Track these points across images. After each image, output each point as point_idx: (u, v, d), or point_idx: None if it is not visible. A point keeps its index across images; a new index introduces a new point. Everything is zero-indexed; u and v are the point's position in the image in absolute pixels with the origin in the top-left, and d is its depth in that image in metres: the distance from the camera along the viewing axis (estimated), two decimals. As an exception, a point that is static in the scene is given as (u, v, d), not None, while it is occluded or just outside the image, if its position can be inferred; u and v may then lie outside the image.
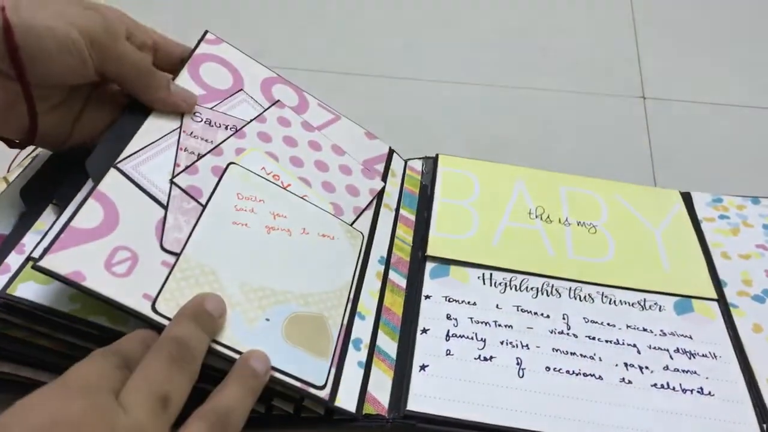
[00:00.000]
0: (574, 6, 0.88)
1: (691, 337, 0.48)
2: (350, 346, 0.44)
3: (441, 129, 0.69)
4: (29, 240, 0.41)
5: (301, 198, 0.48)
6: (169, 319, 0.38)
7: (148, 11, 0.81)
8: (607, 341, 0.47)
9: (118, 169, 0.42)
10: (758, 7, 0.88)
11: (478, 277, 0.51)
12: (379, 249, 0.51)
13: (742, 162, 0.66)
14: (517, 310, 0.49)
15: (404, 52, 0.79)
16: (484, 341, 0.47)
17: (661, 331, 0.48)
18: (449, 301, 0.49)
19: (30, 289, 0.37)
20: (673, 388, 0.45)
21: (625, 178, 0.60)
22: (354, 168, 0.54)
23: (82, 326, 0.38)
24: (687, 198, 0.58)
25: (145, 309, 0.37)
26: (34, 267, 0.35)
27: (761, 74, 0.77)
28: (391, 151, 0.59)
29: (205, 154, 0.47)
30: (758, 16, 0.87)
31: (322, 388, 0.41)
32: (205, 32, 0.53)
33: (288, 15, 0.84)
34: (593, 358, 0.46)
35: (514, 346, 0.46)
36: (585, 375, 0.45)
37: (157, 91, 0.46)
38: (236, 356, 0.38)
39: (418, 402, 0.43)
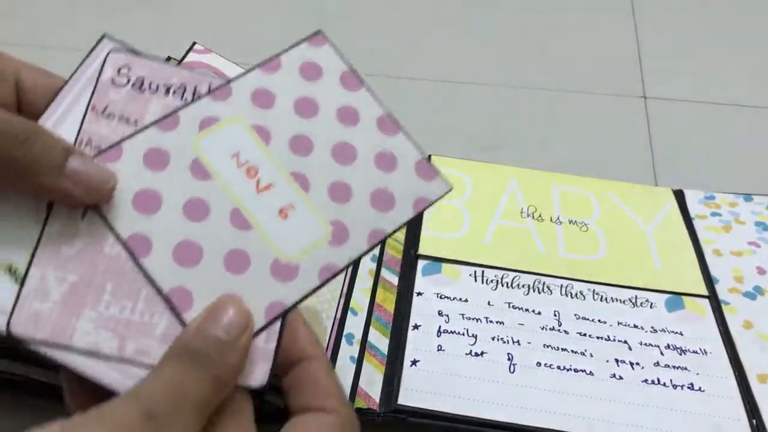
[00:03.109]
0: (575, 5, 0.88)
1: (681, 334, 0.48)
2: (343, 340, 0.45)
3: (440, 129, 0.69)
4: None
5: (278, 211, 0.32)
6: None
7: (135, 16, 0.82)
8: (598, 338, 0.48)
9: None
10: (759, 6, 0.88)
11: (470, 275, 0.51)
12: (372, 247, 0.51)
13: (744, 162, 0.65)
14: (509, 307, 0.49)
15: (403, 51, 0.80)
16: (476, 337, 0.47)
17: (652, 327, 0.49)
18: (441, 297, 0.50)
19: None
20: (664, 384, 0.45)
21: (626, 178, 0.61)
22: (402, 157, 0.35)
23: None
24: (679, 195, 0.59)
25: None
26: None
27: (763, 73, 0.77)
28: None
29: (147, 127, 0.33)
30: (759, 16, 0.87)
31: (314, 382, 0.41)
32: (193, 44, 0.50)
33: (287, 14, 0.85)
34: (584, 354, 0.46)
35: (505, 342, 0.47)
36: (576, 371, 0.45)
37: (38, 176, 0.29)
38: None
39: (408, 396, 0.43)
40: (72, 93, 0.33)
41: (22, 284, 0.30)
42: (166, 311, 0.30)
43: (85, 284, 0.30)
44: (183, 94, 0.34)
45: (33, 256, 0.30)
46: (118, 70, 0.33)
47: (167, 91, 0.34)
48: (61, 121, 0.32)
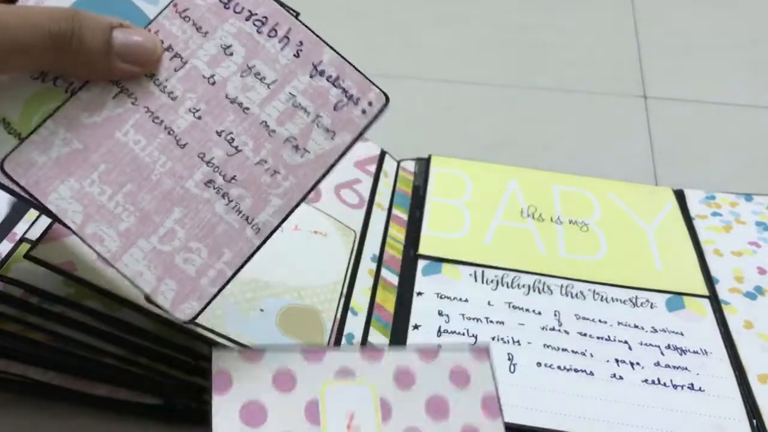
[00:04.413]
0: (575, 4, 0.88)
1: (682, 334, 0.48)
2: (343, 340, 0.44)
3: (440, 128, 0.69)
4: (21, 229, 0.40)
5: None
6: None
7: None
8: (598, 338, 0.48)
9: None
10: (759, 6, 0.88)
11: (470, 275, 0.51)
12: (372, 247, 0.52)
13: (744, 161, 0.65)
14: (509, 307, 0.49)
15: (403, 51, 0.80)
16: (476, 337, 0.47)
17: (653, 327, 0.48)
18: (441, 297, 0.49)
19: (24, 271, 0.37)
20: (664, 384, 0.45)
21: (626, 178, 0.61)
22: None
23: (76, 312, 0.38)
24: (680, 195, 0.59)
25: (138, 298, 0.37)
26: (26, 256, 0.36)
27: (763, 73, 0.77)
28: (382, 153, 0.59)
29: (290, 350, 0.36)
30: (759, 16, 0.87)
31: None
32: None
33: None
34: (584, 354, 0.46)
35: (505, 342, 0.47)
36: (576, 371, 0.45)
37: (89, 65, 0.30)
38: (232, 346, 0.38)
39: (408, 397, 0.43)
40: None
41: (33, 131, 0.31)
42: (138, 213, 0.31)
43: (83, 155, 0.31)
44: (262, 24, 0.34)
45: (56, 111, 0.31)
46: None
47: (249, 17, 0.34)
48: None
